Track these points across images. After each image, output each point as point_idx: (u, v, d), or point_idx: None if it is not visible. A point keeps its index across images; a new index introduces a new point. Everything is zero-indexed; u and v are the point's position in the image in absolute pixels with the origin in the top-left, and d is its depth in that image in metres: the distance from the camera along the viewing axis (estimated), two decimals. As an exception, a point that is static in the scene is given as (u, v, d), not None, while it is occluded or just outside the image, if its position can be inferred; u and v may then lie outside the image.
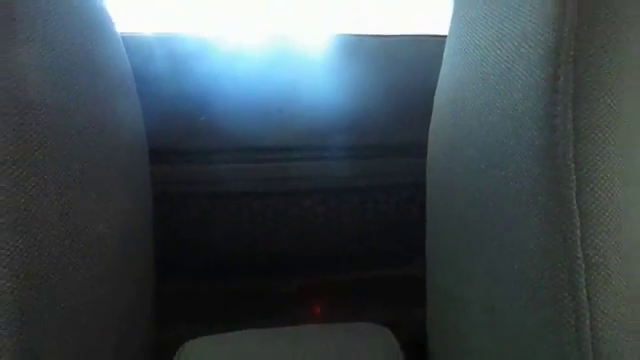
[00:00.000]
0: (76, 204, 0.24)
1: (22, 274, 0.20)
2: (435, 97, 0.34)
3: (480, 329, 0.28)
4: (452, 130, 0.30)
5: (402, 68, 0.49)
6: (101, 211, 0.26)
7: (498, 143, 0.24)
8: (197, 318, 0.49)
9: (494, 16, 0.25)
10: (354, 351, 0.37)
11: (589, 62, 0.20)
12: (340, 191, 0.52)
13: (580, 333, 0.21)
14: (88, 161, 0.25)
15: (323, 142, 0.50)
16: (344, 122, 0.49)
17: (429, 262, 0.36)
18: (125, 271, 0.30)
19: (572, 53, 0.20)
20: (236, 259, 0.55)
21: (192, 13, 0.51)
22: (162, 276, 0.38)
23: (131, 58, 0.33)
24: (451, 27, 0.31)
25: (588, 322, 0.20)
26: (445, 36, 0.32)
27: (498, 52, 0.24)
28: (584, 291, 0.21)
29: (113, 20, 0.31)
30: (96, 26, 0.28)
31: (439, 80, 0.33)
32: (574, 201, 0.21)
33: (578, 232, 0.21)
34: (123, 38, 0.32)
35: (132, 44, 0.39)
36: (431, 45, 0.48)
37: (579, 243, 0.21)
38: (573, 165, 0.21)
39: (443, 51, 0.33)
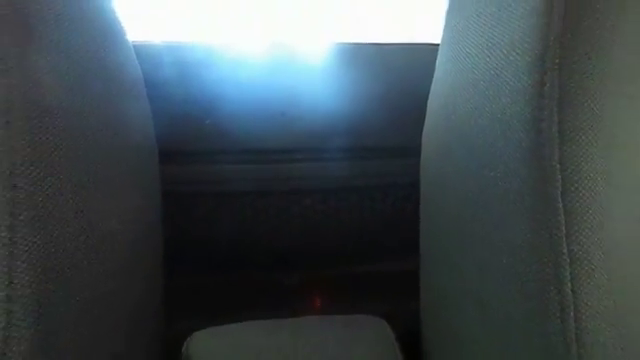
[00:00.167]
0: (90, 202, 0.24)
1: (39, 268, 0.20)
2: (428, 102, 0.34)
3: (470, 320, 0.28)
4: (444, 133, 0.30)
5: (397, 74, 0.49)
6: (113, 209, 0.26)
7: (487, 145, 0.24)
8: (204, 310, 0.49)
9: (484, 26, 0.25)
10: (352, 341, 0.37)
11: (573, 69, 0.21)
12: (339, 190, 0.52)
13: (565, 324, 0.21)
14: (101, 162, 0.25)
15: (323, 144, 0.50)
16: (343, 125, 0.49)
17: (423, 257, 0.36)
18: (136, 266, 0.30)
19: (557, 60, 0.20)
20: (240, 254, 0.55)
21: (200, 24, 0.51)
22: (170, 270, 0.38)
23: (141, 65, 0.33)
24: (443, 36, 0.31)
25: (572, 314, 0.20)
26: (438, 44, 0.32)
27: (488, 59, 0.24)
28: (569, 284, 0.21)
29: (125, 29, 0.31)
30: (109, 35, 0.28)
31: (432, 86, 0.33)
32: (559, 200, 0.21)
33: (563, 229, 0.21)
34: (134, 46, 0.32)
35: (142, 52, 0.39)
36: (424, 53, 0.48)
37: (564, 239, 0.21)
38: (558, 166, 0.21)
39: (436, 59, 0.33)
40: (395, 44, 0.49)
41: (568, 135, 0.21)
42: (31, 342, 0.19)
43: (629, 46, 0.21)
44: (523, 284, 0.22)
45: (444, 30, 0.31)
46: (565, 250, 0.21)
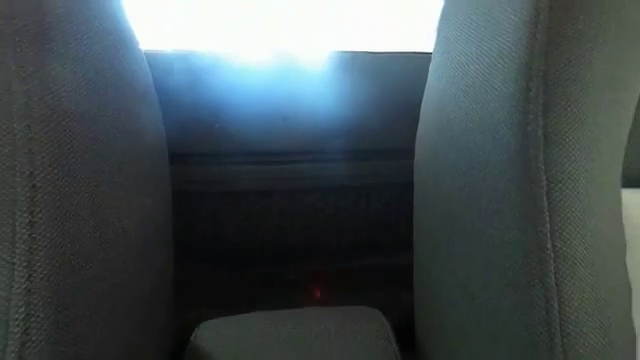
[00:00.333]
0: (104, 201, 0.24)
1: (57, 263, 0.20)
2: (421, 107, 0.34)
3: (460, 311, 0.28)
4: (437, 136, 0.30)
5: (392, 81, 0.49)
6: (126, 207, 0.26)
7: (477, 147, 0.24)
8: (211, 302, 0.49)
9: (474, 36, 0.25)
10: (350, 331, 0.37)
11: (557, 76, 0.21)
12: (338, 190, 0.52)
13: (549, 315, 0.21)
14: (115, 163, 0.25)
15: (322, 146, 0.50)
16: (341, 128, 0.49)
17: (416, 253, 0.36)
18: (147, 260, 0.30)
19: (542, 68, 0.20)
20: (245, 250, 0.55)
21: (209, 35, 0.51)
22: (180, 265, 0.38)
23: (153, 72, 0.33)
24: (436, 45, 0.31)
25: (556, 305, 0.20)
26: (430, 53, 0.32)
27: (477, 67, 0.24)
28: (553, 278, 0.21)
29: (137, 39, 0.31)
30: (122, 45, 0.28)
31: (425, 92, 0.33)
32: (544, 198, 0.21)
33: (548, 226, 0.21)
34: (146, 54, 0.32)
35: (154, 60, 0.39)
36: (418, 61, 0.48)
37: (548, 235, 0.21)
38: (543, 167, 0.21)
39: (428, 66, 0.33)
40: (390, 53, 0.49)
41: (552, 138, 0.21)
42: (49, 332, 0.19)
43: (609, 55, 0.21)
44: (510, 277, 0.22)
45: (436, 40, 0.31)
46: (549, 245, 0.21)
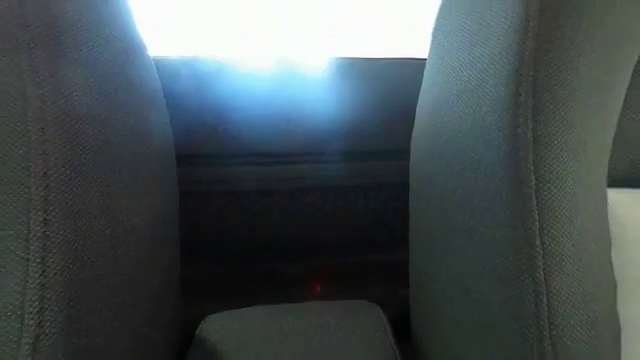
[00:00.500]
0: (115, 200, 0.24)
1: (69, 259, 0.20)
2: (417, 110, 0.34)
3: (454, 305, 0.28)
4: (431, 138, 0.30)
5: (389, 86, 0.49)
6: (136, 206, 0.26)
7: (470, 149, 0.24)
8: (216, 296, 0.49)
9: (466, 43, 0.25)
10: (349, 324, 0.37)
11: (546, 81, 0.21)
12: (337, 189, 0.52)
13: (538, 308, 0.21)
14: (125, 164, 0.25)
15: (323, 148, 0.50)
16: (340, 131, 0.49)
17: (412, 249, 0.36)
18: (156, 256, 0.30)
19: (532, 74, 0.20)
20: (248, 246, 0.55)
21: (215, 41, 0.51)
22: (185, 261, 0.38)
23: (161, 77, 0.33)
24: (430, 51, 0.31)
25: (545, 299, 0.21)
26: (425, 59, 0.32)
27: (470, 73, 0.24)
28: (541, 273, 0.21)
29: (145, 46, 0.31)
30: (131, 51, 0.28)
31: (420, 96, 0.33)
32: (533, 197, 0.21)
33: (537, 223, 0.21)
34: (154, 60, 0.32)
35: (161, 65, 0.39)
36: (413, 67, 0.48)
37: (537, 233, 0.21)
38: (532, 167, 0.21)
39: (423, 72, 0.33)
40: (387, 59, 0.49)
41: (541, 140, 0.21)
42: (62, 324, 0.19)
43: (596, 61, 0.21)
44: (501, 273, 0.22)
45: (430, 46, 0.31)
46: (538, 242, 0.21)
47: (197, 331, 0.38)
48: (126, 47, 0.27)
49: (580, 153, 0.21)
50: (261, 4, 0.52)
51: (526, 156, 0.21)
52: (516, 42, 0.21)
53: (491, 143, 0.22)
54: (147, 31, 0.32)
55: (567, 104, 0.21)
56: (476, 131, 0.23)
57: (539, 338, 0.21)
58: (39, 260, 0.19)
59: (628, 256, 0.23)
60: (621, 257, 0.23)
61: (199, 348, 0.36)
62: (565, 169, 0.21)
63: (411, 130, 0.34)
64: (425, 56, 0.33)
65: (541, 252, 0.21)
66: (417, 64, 0.47)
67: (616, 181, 0.24)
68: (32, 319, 0.18)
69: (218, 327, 0.37)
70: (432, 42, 0.31)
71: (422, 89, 0.33)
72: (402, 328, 0.38)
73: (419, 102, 0.33)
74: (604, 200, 0.23)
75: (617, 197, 0.24)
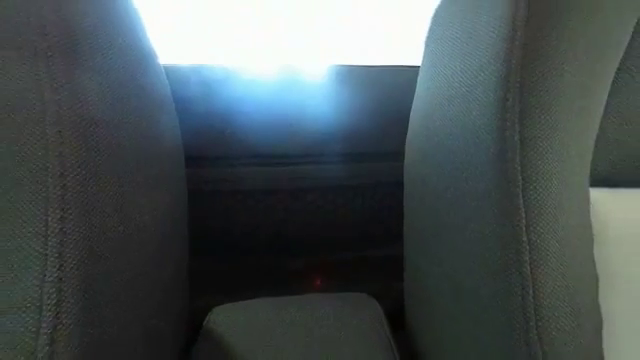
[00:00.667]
0: (127, 199, 0.24)
1: (85, 254, 0.20)
2: (411, 114, 0.34)
3: (446, 298, 0.28)
4: (424, 140, 0.30)
5: (385, 91, 0.49)
6: (147, 204, 0.26)
7: (460, 151, 0.24)
8: (222, 289, 0.50)
9: (457, 51, 0.25)
10: (347, 316, 0.37)
11: (532, 87, 0.21)
12: (336, 188, 0.52)
13: (525, 301, 0.21)
14: (137, 165, 0.25)
15: (323, 150, 0.50)
16: (339, 134, 0.49)
17: (406, 245, 0.36)
18: (166, 252, 0.30)
19: (518, 80, 0.20)
20: (253, 242, 0.55)
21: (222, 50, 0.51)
22: (194, 256, 0.38)
23: (170, 84, 0.33)
24: (423, 59, 0.32)
25: (531, 292, 0.21)
26: (418, 66, 0.32)
27: (461, 79, 0.24)
28: (528, 267, 0.21)
29: (156, 54, 0.31)
30: (143, 58, 0.28)
31: (414, 101, 0.33)
32: (520, 196, 0.21)
33: (523, 221, 0.21)
34: (164, 67, 0.32)
35: (171, 72, 0.39)
36: (408, 73, 0.48)
37: (524, 229, 0.21)
38: (519, 168, 0.21)
39: (417, 78, 0.33)
40: (383, 66, 0.49)
41: (528, 142, 0.21)
42: (78, 316, 0.19)
43: (579, 68, 0.21)
44: (490, 267, 0.22)
45: (424, 54, 0.31)
46: (525, 239, 0.21)
47: (204, 322, 0.38)
48: (138, 55, 0.27)
49: (564, 154, 0.21)
50: (264, 15, 0.52)
51: (513, 157, 0.21)
52: (504, 51, 0.21)
53: (480, 145, 0.22)
54: (157, 40, 0.32)
55: (552, 108, 0.21)
56: (466, 134, 0.23)
57: (526, 328, 0.21)
58: (56, 255, 0.19)
59: (609, 252, 0.23)
60: (602, 253, 0.23)
61: (207, 338, 0.36)
62: (550, 169, 0.21)
63: (405, 133, 0.34)
64: (419, 64, 0.33)
65: (527, 247, 0.21)
66: (411, 71, 0.47)
67: (598, 181, 0.24)
68: (50, 311, 0.18)
69: (224, 318, 0.37)
70: (425, 50, 0.31)
71: (416, 94, 0.33)
72: (397, 319, 0.38)
73: (413, 107, 0.33)
74: (587, 199, 0.23)
75: (599, 196, 0.24)
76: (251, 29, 0.52)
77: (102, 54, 0.23)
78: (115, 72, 0.24)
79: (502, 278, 0.21)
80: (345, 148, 0.50)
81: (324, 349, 0.33)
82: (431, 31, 0.30)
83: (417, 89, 0.32)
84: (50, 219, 0.19)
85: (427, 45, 0.31)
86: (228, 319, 0.37)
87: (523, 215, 0.21)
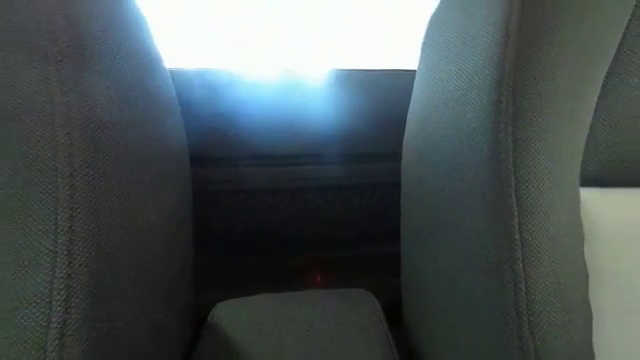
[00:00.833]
0: (134, 198, 0.24)
1: (94, 251, 0.20)
2: (407, 116, 0.34)
3: (441, 294, 0.28)
4: (421, 142, 0.30)
5: (382, 94, 0.49)
6: (153, 204, 0.26)
7: (456, 152, 0.24)
8: (225, 286, 0.49)
9: (453, 56, 0.25)
10: (346, 311, 0.37)
11: (525, 91, 0.21)
12: (335, 188, 0.52)
13: (517, 296, 0.21)
14: (143, 166, 0.25)
15: (322, 151, 0.50)
16: (338, 135, 0.49)
17: (403, 243, 0.36)
18: (171, 249, 0.30)
19: (511, 84, 0.20)
20: (254, 240, 0.55)
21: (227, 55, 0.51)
22: (199, 253, 0.38)
23: (176, 87, 0.33)
24: (419, 63, 0.31)
25: (523, 288, 0.21)
26: (415, 70, 0.32)
27: (456, 83, 0.24)
28: (520, 264, 0.21)
29: (162, 58, 0.31)
30: (149, 63, 0.28)
31: (411, 104, 0.33)
32: (513, 196, 0.21)
33: (516, 219, 0.21)
34: (170, 71, 0.32)
35: (176, 76, 0.39)
36: (405, 77, 0.48)
37: (517, 227, 0.21)
38: (512, 168, 0.21)
39: (414, 82, 0.33)
40: (381, 70, 0.49)
41: (520, 144, 0.21)
42: (87, 311, 0.19)
43: (570, 72, 0.21)
44: (484, 264, 0.22)
45: (420, 58, 0.31)
46: (518, 236, 0.21)
47: (209, 317, 0.38)
48: (144, 59, 0.27)
49: (555, 155, 0.21)
50: (267, 21, 0.52)
51: (507, 158, 0.21)
52: (497, 55, 0.21)
53: (475, 146, 0.22)
54: (164, 45, 0.32)
55: (544, 111, 0.21)
56: (461, 136, 0.23)
57: (518, 323, 0.21)
58: (66, 253, 0.19)
59: (599, 249, 0.23)
60: (592, 250, 0.23)
61: (211, 332, 0.36)
62: (542, 170, 0.21)
63: (403, 135, 0.34)
64: (415, 68, 0.33)
65: (520, 245, 0.21)
66: (408, 75, 0.47)
67: (588, 181, 0.24)
68: (59, 306, 0.18)
69: (228, 313, 0.37)
70: (421, 55, 0.31)
71: (412, 98, 0.33)
72: (394, 314, 0.38)
73: (410, 109, 0.33)
74: (577, 198, 0.23)
75: (589, 195, 0.24)
76: (254, 35, 0.52)
77: (110, 58, 0.23)
78: (122, 76, 0.24)
79: (495, 274, 0.21)
80: (344, 149, 0.50)
81: (324, 343, 0.33)
82: (427, 36, 0.30)
83: (414, 92, 0.32)
84: (59, 218, 0.19)
85: (423, 50, 0.31)
86: (231, 314, 0.37)
87: (516, 214, 0.21)
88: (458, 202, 0.24)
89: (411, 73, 0.33)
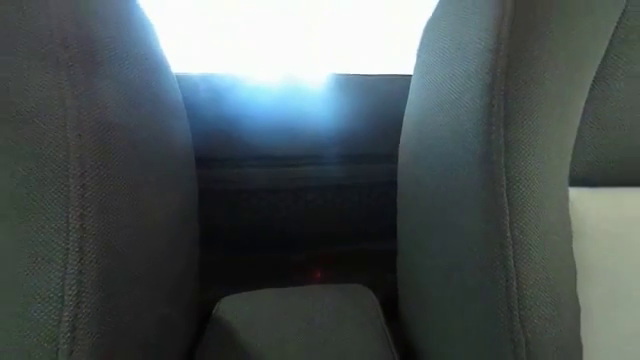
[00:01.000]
0: (141, 198, 0.24)
1: (103, 248, 0.20)
2: (404, 119, 0.34)
3: (435, 289, 0.28)
4: (417, 143, 0.30)
5: (380, 98, 0.49)
6: (160, 203, 0.26)
7: (449, 153, 0.24)
8: (229, 281, 0.50)
9: (447, 61, 0.25)
10: (345, 304, 0.37)
11: (516, 94, 0.21)
12: (335, 188, 0.52)
13: (509, 291, 0.21)
14: (150, 166, 0.25)
15: (322, 152, 0.50)
16: (338, 137, 0.49)
17: (399, 240, 0.36)
18: (177, 246, 0.30)
19: (503, 88, 0.20)
20: (257, 238, 0.55)
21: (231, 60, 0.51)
22: (203, 250, 0.38)
23: (182, 91, 0.33)
24: (415, 68, 0.32)
25: (515, 283, 0.21)
26: (411, 75, 0.32)
27: (450, 87, 0.24)
28: (512, 261, 0.21)
29: (169, 63, 0.31)
30: (156, 68, 0.28)
31: (407, 107, 0.33)
32: (505, 195, 0.21)
33: (507, 218, 0.21)
34: (176, 76, 0.32)
35: (182, 81, 0.39)
36: (401, 81, 0.48)
37: (508, 226, 0.21)
38: (504, 169, 0.21)
39: (410, 86, 0.33)
40: (378, 75, 0.50)
41: (512, 145, 0.21)
42: (97, 305, 0.19)
43: (559, 77, 0.21)
44: (476, 260, 0.22)
45: (416, 64, 0.32)
46: (509, 234, 0.21)
47: (213, 311, 0.38)
48: (152, 64, 0.27)
49: (545, 157, 0.21)
50: (269, 28, 0.52)
51: (498, 159, 0.21)
52: (489, 61, 0.21)
53: (468, 148, 0.22)
54: (171, 51, 0.32)
55: (534, 114, 0.21)
56: (455, 137, 0.24)
57: (510, 317, 0.21)
58: (77, 250, 0.19)
59: (586, 246, 0.23)
60: (580, 247, 0.23)
61: (215, 326, 0.36)
62: (532, 170, 0.21)
63: (399, 137, 0.34)
64: (411, 72, 0.33)
65: (511, 242, 0.21)
66: (404, 79, 0.48)
67: (576, 181, 0.24)
68: (71, 301, 0.18)
69: (232, 307, 0.37)
70: (417, 60, 0.31)
71: (408, 101, 0.33)
72: (391, 309, 0.38)
73: (406, 112, 0.33)
74: (566, 197, 0.23)
75: (577, 195, 0.24)
76: (257, 41, 0.52)
77: (119, 64, 0.23)
78: (131, 80, 0.24)
79: (488, 271, 0.22)
80: (343, 150, 0.50)
81: (324, 336, 0.33)
82: (423, 42, 0.30)
83: (410, 96, 0.32)
84: (71, 216, 0.19)
85: (419, 55, 0.31)
86: (235, 308, 0.37)
87: (507, 213, 0.21)
88: (452, 201, 0.24)
89: (407, 78, 0.33)
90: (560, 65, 0.21)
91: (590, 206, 0.24)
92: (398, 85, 0.48)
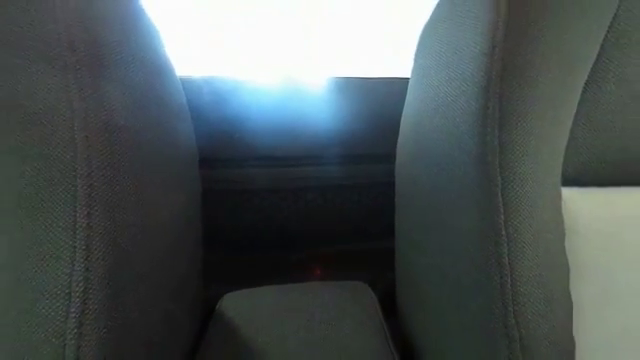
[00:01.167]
0: (147, 197, 0.24)
1: (109, 247, 0.20)
2: (401, 121, 0.34)
3: (432, 286, 0.28)
4: (414, 144, 0.30)
5: (378, 100, 0.49)
6: (164, 203, 0.26)
7: (446, 154, 0.24)
8: (231, 279, 0.50)
9: (443, 64, 0.25)
10: (345, 301, 0.37)
11: (510, 97, 0.21)
12: (334, 188, 0.52)
13: (503, 288, 0.21)
14: (155, 167, 0.25)
15: (323, 153, 0.50)
16: (337, 138, 0.49)
17: (397, 239, 0.36)
18: (181, 245, 0.30)
19: (498, 90, 0.21)
20: (259, 237, 0.55)
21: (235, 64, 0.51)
22: (207, 248, 0.38)
23: (186, 94, 0.34)
24: (412, 71, 0.32)
25: (509, 280, 0.21)
26: (408, 78, 0.32)
27: (446, 90, 0.24)
28: (506, 259, 0.21)
29: (173, 67, 0.31)
30: (161, 71, 0.28)
31: (404, 109, 0.33)
32: (499, 195, 0.21)
33: (502, 217, 0.21)
34: (180, 79, 0.32)
35: (186, 83, 0.39)
36: (399, 84, 0.48)
37: (503, 225, 0.21)
38: (499, 169, 0.21)
39: (407, 88, 0.33)
40: (376, 78, 0.50)
41: (506, 146, 0.21)
42: (103, 302, 0.19)
43: (552, 80, 0.21)
44: (472, 258, 0.22)
45: (413, 67, 0.32)
46: (504, 232, 0.21)
47: (216, 307, 0.38)
48: (157, 68, 0.27)
49: (538, 157, 0.21)
50: (270, 32, 0.52)
51: (493, 160, 0.21)
52: (485, 64, 0.21)
53: (464, 149, 0.22)
54: (175, 54, 0.32)
55: (527, 116, 0.21)
56: (451, 139, 0.24)
57: (504, 313, 0.21)
58: (84, 247, 0.19)
59: (578, 245, 0.23)
60: (573, 245, 0.23)
61: (218, 321, 0.36)
62: (526, 171, 0.21)
63: (397, 138, 0.34)
64: (409, 76, 0.33)
65: (506, 241, 0.21)
66: (402, 82, 0.47)
67: (569, 181, 0.24)
68: (78, 297, 0.19)
69: (234, 304, 0.37)
70: (414, 64, 0.31)
71: (406, 103, 0.33)
72: (389, 306, 0.38)
73: (403, 114, 0.33)
74: (559, 197, 0.24)
75: (569, 194, 0.24)
76: (259, 45, 0.52)
77: (125, 67, 0.23)
78: (137, 83, 0.24)
79: (483, 268, 0.22)
80: (342, 151, 0.50)
81: (323, 332, 0.33)
82: (420, 46, 0.30)
83: (407, 98, 0.32)
84: (78, 215, 0.19)
85: (416, 59, 0.31)
86: (238, 304, 0.37)
87: (502, 212, 0.21)
88: (448, 201, 0.24)
89: (405, 81, 0.33)
90: (553, 68, 0.21)
91: (582, 205, 0.24)
92: (396, 88, 0.48)
